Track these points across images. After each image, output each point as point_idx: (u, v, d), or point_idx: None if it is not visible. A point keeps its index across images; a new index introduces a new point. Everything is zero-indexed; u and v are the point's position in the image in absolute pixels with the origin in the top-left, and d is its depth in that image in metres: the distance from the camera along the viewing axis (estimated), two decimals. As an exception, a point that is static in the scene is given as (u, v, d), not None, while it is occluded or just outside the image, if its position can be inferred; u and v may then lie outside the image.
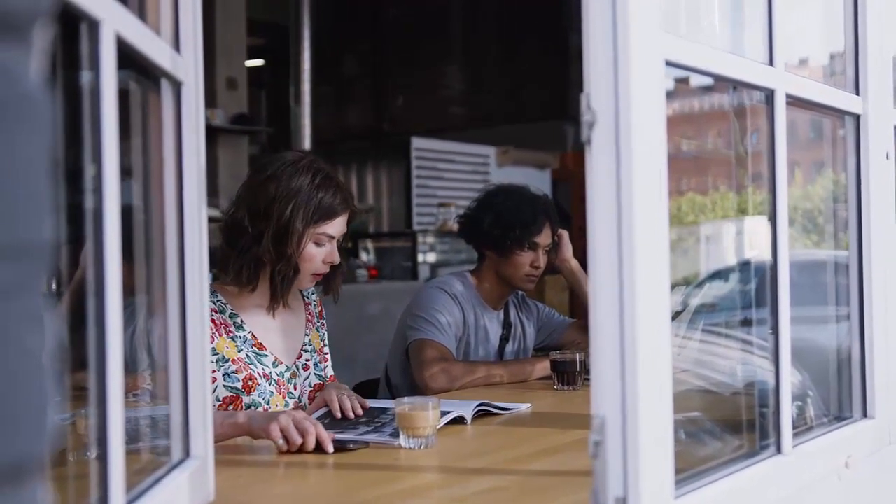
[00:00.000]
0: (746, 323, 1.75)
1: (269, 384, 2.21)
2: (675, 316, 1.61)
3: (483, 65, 8.96)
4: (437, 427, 1.90)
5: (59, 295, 1.22)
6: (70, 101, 0.94)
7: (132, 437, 1.16)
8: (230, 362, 2.17)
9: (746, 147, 1.73)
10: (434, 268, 6.87)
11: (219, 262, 2.24)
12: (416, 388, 2.71)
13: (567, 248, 3.03)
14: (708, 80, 1.48)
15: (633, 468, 1.10)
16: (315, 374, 2.35)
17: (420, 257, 6.91)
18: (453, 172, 7.66)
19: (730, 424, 1.64)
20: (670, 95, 1.19)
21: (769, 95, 1.47)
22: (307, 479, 1.75)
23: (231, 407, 2.14)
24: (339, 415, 2.08)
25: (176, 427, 1.33)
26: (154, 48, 1.19)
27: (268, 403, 2.19)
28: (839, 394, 1.81)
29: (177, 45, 1.32)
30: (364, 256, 6.99)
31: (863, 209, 1.76)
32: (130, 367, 1.21)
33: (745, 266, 1.88)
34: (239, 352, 2.20)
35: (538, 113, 8.27)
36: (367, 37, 9.38)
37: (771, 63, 1.47)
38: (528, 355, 3.05)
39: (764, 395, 1.52)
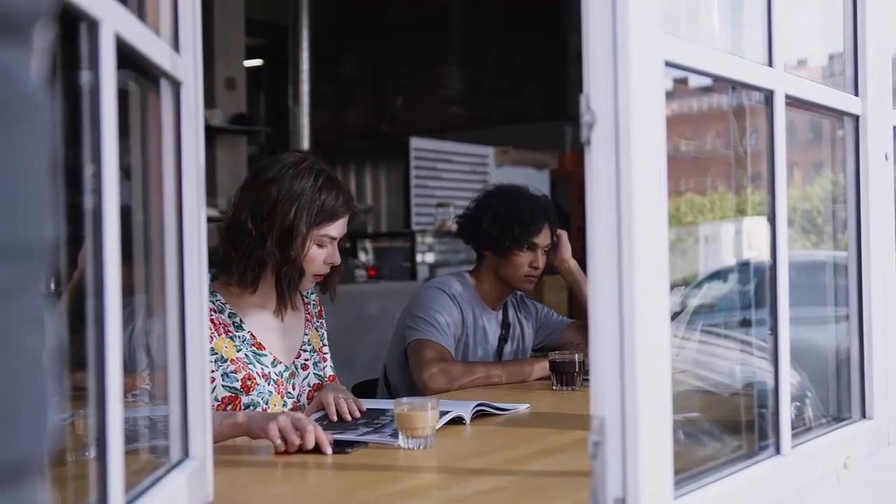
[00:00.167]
0: (745, 323, 1.75)
1: (268, 384, 2.21)
2: (674, 316, 1.61)
3: (482, 65, 8.96)
4: (437, 427, 1.90)
5: (58, 294, 1.22)
6: (69, 101, 0.94)
7: (131, 437, 1.16)
8: (229, 362, 2.17)
9: (745, 147, 1.73)
10: (433, 268, 6.87)
11: (220, 264, 2.24)
12: (415, 389, 2.71)
13: (566, 249, 3.03)
14: (706, 81, 1.48)
15: (632, 469, 1.10)
16: (314, 373, 2.35)
17: (419, 257, 6.91)
18: (452, 173, 7.66)
19: (729, 425, 1.64)
20: (669, 96, 1.19)
21: (768, 96, 1.47)
22: (306, 480, 1.75)
23: (230, 407, 2.14)
24: (335, 418, 2.06)
25: (175, 427, 1.33)
26: (153, 48, 1.19)
27: (266, 403, 2.19)
28: (838, 394, 1.81)
29: (176, 45, 1.32)
30: (363, 256, 6.99)
31: (862, 210, 1.76)
32: (129, 368, 1.21)
33: (743, 267, 1.88)
34: (238, 351, 2.20)
35: (537, 113, 8.27)
36: (366, 37, 9.39)
37: (770, 64, 1.47)
38: (526, 356, 3.05)
39: (763, 395, 1.52)
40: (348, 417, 2.07)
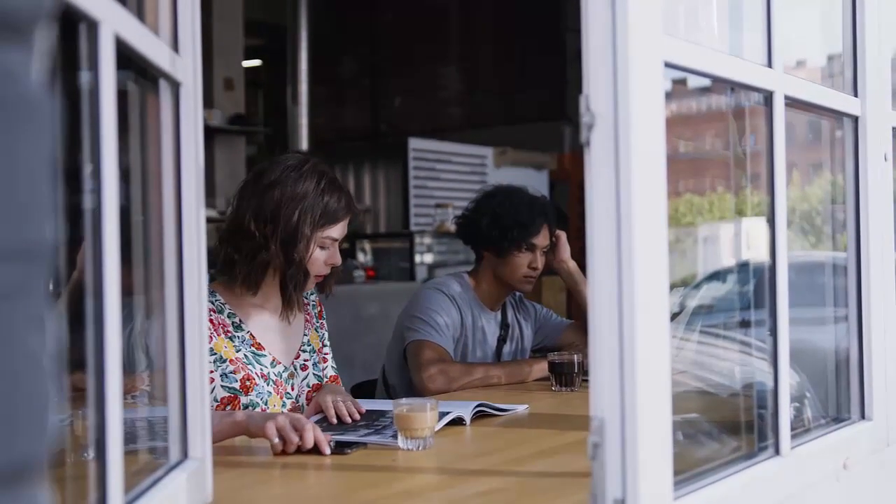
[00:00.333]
0: (744, 324, 1.75)
1: (267, 384, 2.21)
2: (673, 317, 1.61)
3: (480, 66, 8.97)
4: (437, 428, 1.90)
5: (57, 295, 1.22)
6: (69, 102, 0.94)
7: (130, 438, 1.16)
8: (228, 362, 2.17)
9: (744, 148, 1.73)
10: (431, 268, 6.86)
11: (222, 266, 2.24)
12: (414, 389, 2.71)
13: (565, 250, 3.03)
14: (705, 81, 1.48)
15: (631, 470, 1.10)
16: (313, 374, 2.35)
17: (417, 258, 6.91)
18: (451, 173, 7.66)
19: (728, 426, 1.64)
20: (667, 96, 1.19)
21: (768, 97, 1.47)
22: (305, 481, 1.75)
23: (229, 407, 2.14)
24: (334, 420, 2.05)
25: (174, 428, 1.33)
26: (153, 49, 1.19)
27: (265, 404, 2.19)
28: (837, 395, 1.81)
29: (175, 45, 1.31)
30: (361, 257, 6.99)
31: (861, 211, 1.76)
32: (127, 368, 1.21)
33: (743, 267, 1.88)
34: (237, 352, 2.20)
35: (535, 114, 8.27)
36: (364, 37, 9.39)
37: (770, 65, 1.47)
38: (525, 356, 3.05)
39: (762, 396, 1.52)
40: (348, 420, 2.06)
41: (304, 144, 7.37)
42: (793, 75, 1.56)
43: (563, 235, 3.03)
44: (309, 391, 2.31)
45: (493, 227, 2.88)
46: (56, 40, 0.66)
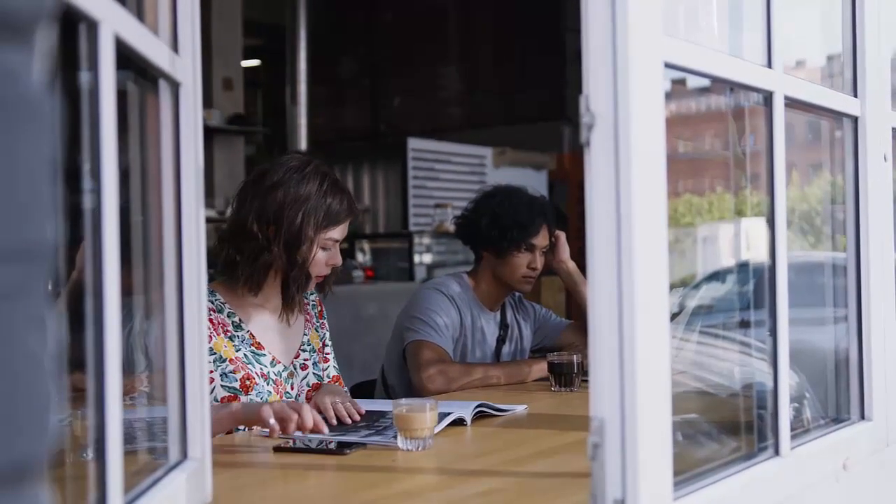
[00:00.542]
0: (744, 324, 1.75)
1: (267, 384, 2.21)
2: (672, 317, 1.61)
3: (480, 66, 8.97)
4: (438, 430, 1.90)
5: (56, 295, 1.22)
6: (69, 102, 0.94)
7: (129, 438, 1.16)
8: (228, 362, 2.17)
9: (743, 148, 1.73)
10: (430, 269, 6.86)
11: (222, 267, 2.24)
12: (413, 390, 2.71)
13: (564, 250, 3.03)
14: (704, 82, 1.48)
15: (631, 470, 1.10)
16: (313, 373, 2.35)
17: (416, 258, 6.91)
18: (450, 173, 7.66)
19: (728, 426, 1.64)
20: (667, 97, 1.19)
21: (768, 97, 1.47)
22: (305, 481, 1.75)
23: (228, 407, 2.14)
24: (334, 422, 2.04)
25: (173, 428, 1.33)
26: (152, 49, 1.19)
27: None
28: (837, 395, 1.81)
29: (175, 45, 1.31)
30: (360, 257, 6.99)
31: (861, 211, 1.76)
32: (126, 369, 1.21)
33: (742, 268, 1.88)
34: (237, 351, 2.20)
35: (535, 114, 8.27)
36: (363, 37, 9.39)
37: (770, 65, 1.47)
38: (524, 357, 3.05)
39: (762, 396, 1.52)
40: (347, 420, 2.06)
41: (303, 144, 7.37)
42: (793, 75, 1.56)
43: (562, 236, 3.03)
44: (309, 391, 2.31)
45: (492, 227, 2.88)
46: (56, 40, 0.66)
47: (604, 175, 1.11)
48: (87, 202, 0.96)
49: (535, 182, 6.71)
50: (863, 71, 1.77)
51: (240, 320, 2.24)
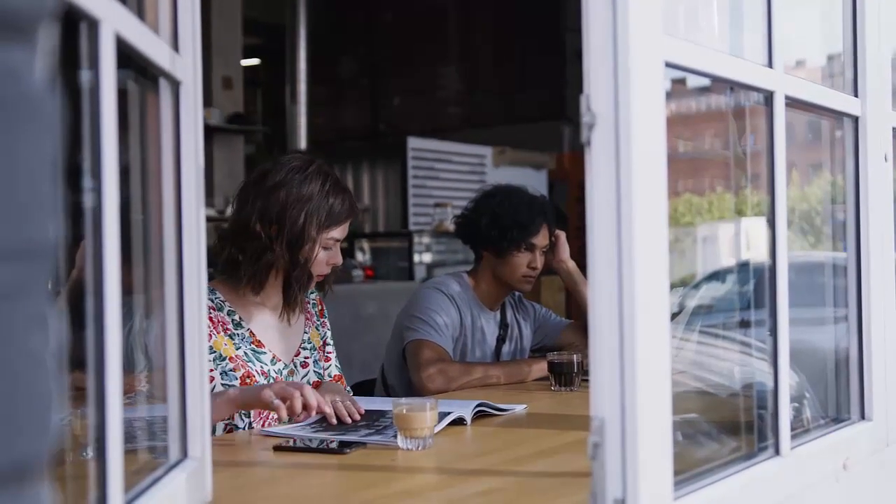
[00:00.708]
0: (744, 324, 1.75)
1: (267, 382, 2.21)
2: (672, 317, 1.61)
3: (479, 65, 8.97)
4: (438, 429, 1.90)
5: (56, 294, 1.22)
6: (69, 101, 0.94)
7: (129, 438, 1.16)
8: (228, 360, 2.17)
9: (743, 148, 1.73)
10: (430, 268, 6.86)
11: (224, 266, 2.25)
12: (413, 389, 2.71)
13: (564, 249, 3.03)
14: (704, 81, 1.48)
15: (632, 470, 1.10)
16: (314, 371, 2.35)
17: (416, 257, 6.91)
18: (450, 173, 7.66)
19: (728, 426, 1.64)
20: (667, 96, 1.19)
21: (768, 97, 1.47)
22: (305, 481, 1.75)
23: (228, 407, 2.14)
24: (334, 421, 2.04)
25: (174, 427, 1.33)
26: (153, 47, 1.19)
27: (265, 403, 2.19)
28: (837, 395, 1.81)
29: (175, 44, 1.31)
30: (360, 256, 6.99)
31: (861, 211, 1.76)
32: (126, 368, 1.21)
33: (742, 267, 1.88)
34: (237, 349, 2.20)
35: (535, 113, 8.28)
36: (363, 37, 9.39)
37: (770, 65, 1.47)
38: (524, 356, 3.05)
39: (762, 396, 1.52)
40: (347, 420, 2.05)
41: (302, 144, 7.38)
42: (793, 75, 1.56)
43: (562, 235, 3.03)
44: (308, 389, 2.31)
45: (492, 226, 2.88)
46: (57, 39, 0.66)
47: (604, 174, 1.11)
48: (87, 201, 0.95)
49: (534, 182, 6.71)
50: (863, 71, 1.77)
51: (240, 318, 2.24)
